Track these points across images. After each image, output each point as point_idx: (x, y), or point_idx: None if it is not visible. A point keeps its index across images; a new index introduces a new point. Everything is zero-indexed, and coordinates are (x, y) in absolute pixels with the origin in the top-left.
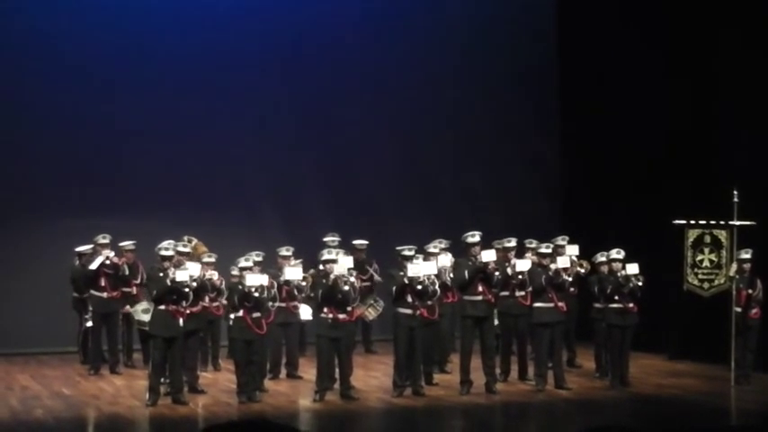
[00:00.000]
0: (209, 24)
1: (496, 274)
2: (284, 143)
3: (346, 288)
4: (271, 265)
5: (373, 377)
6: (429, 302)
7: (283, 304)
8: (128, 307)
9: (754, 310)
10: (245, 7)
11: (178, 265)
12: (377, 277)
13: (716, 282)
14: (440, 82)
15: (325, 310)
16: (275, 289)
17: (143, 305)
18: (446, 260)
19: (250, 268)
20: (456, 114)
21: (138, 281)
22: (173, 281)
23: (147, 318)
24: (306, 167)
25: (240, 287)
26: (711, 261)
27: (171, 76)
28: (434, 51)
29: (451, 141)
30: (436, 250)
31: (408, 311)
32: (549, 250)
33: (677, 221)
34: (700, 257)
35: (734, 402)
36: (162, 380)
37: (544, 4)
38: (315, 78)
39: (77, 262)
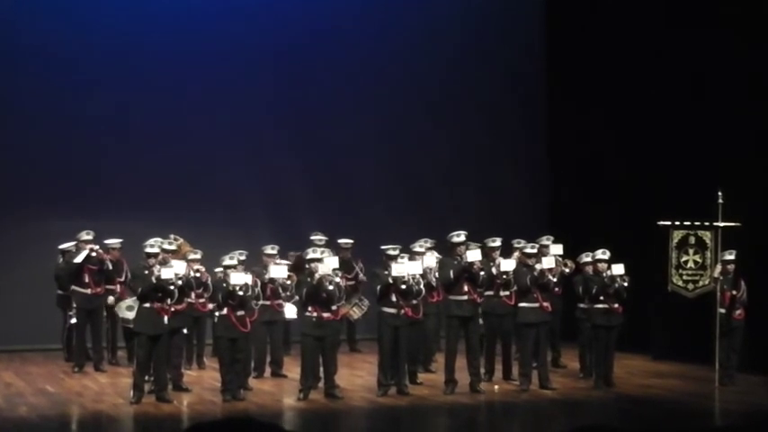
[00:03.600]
0: (197, 25)
1: (482, 273)
2: (271, 142)
3: (331, 287)
4: (256, 264)
5: (358, 376)
6: (414, 302)
7: (268, 302)
8: (110, 298)
9: (738, 312)
10: (233, 7)
11: (164, 263)
12: (361, 276)
13: (700, 283)
14: (427, 82)
15: (310, 308)
16: (259, 287)
17: (127, 302)
18: (431, 259)
19: (234, 266)
20: (443, 114)
21: (123, 279)
22: (158, 278)
23: (131, 315)
24: (292, 166)
25: (224, 285)
26: (696, 262)
27: (157, 76)
28: (421, 51)
29: (438, 141)
30: (422, 249)
31: (393, 311)
32: (535, 250)
33: (662, 222)
34: (684, 258)
35: (718, 403)
36: (146, 377)
37: (533, 6)
38: (302, 78)
39: (61, 259)
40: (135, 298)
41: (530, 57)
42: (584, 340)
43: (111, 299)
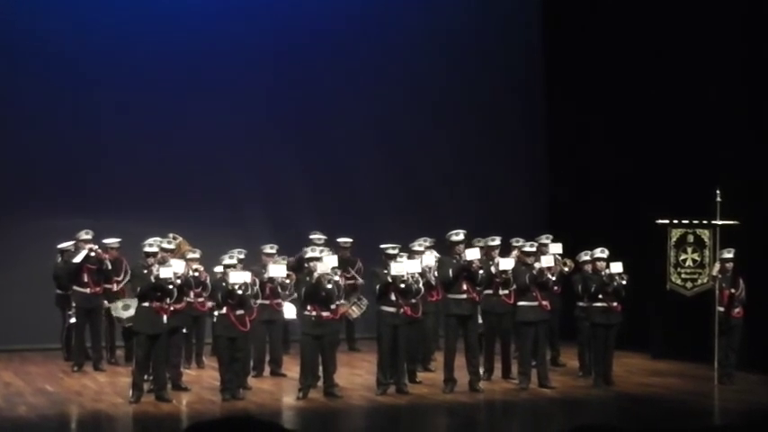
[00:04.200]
0: (195, 23)
1: (480, 272)
2: (270, 141)
3: (330, 286)
4: (255, 263)
5: (357, 375)
6: (413, 300)
7: (267, 302)
8: (105, 302)
9: (736, 310)
10: (233, 7)
11: (162, 262)
12: (359, 280)
13: (699, 281)
14: (426, 81)
15: (309, 307)
16: (257, 286)
17: (123, 302)
18: (430, 258)
19: (234, 266)
20: (442, 113)
21: (121, 278)
22: (156, 278)
23: (125, 314)
24: (291, 166)
25: (224, 284)
26: (694, 260)
27: (156, 75)
28: (420, 51)
29: (437, 140)
30: (421, 248)
31: (392, 309)
32: (533, 249)
33: (660, 221)
34: (683, 257)
35: (717, 402)
36: (145, 377)
37: (532, 6)
38: (302, 77)
39: (59, 258)
40: (133, 297)
41: (529, 57)
42: (584, 339)
43: (105, 303)
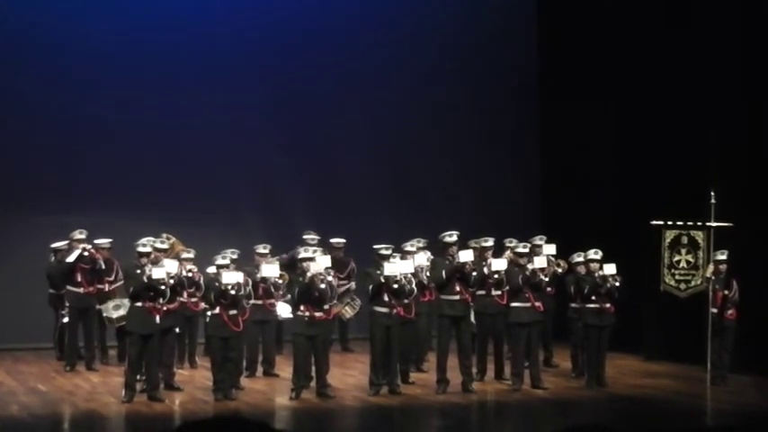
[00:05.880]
0: (191, 23)
1: (473, 273)
2: (264, 141)
3: (323, 286)
4: (248, 263)
5: (350, 375)
6: (406, 301)
7: (260, 302)
8: (98, 307)
9: (730, 311)
10: (227, 6)
11: (155, 262)
12: (352, 284)
13: (692, 283)
14: (420, 81)
15: (302, 308)
16: (250, 286)
17: (113, 302)
18: (423, 259)
19: (227, 266)
20: (435, 113)
21: (112, 278)
22: (149, 278)
23: (115, 315)
24: (285, 165)
25: (217, 285)
26: (688, 262)
27: (152, 74)
28: (415, 50)
29: (431, 140)
30: (413, 249)
31: (385, 310)
32: (527, 250)
33: (654, 222)
34: (677, 258)
35: (710, 403)
36: (138, 377)
37: (528, 6)
38: (296, 77)
39: (53, 258)
40: (119, 297)
41: (524, 57)
42: (577, 340)
43: (98, 307)
